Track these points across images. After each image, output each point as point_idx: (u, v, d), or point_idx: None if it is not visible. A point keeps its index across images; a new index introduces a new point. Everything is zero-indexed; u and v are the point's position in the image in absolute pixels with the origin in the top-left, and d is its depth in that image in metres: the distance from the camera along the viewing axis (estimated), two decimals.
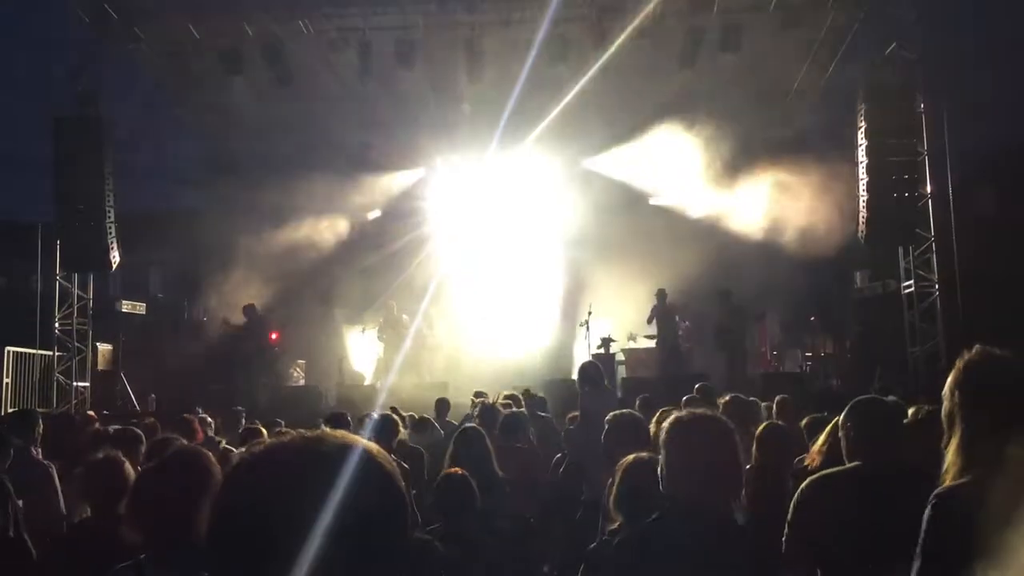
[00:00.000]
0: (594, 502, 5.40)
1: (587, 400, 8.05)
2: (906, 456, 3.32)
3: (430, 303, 18.08)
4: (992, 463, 2.17)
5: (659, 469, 2.86)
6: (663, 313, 16.60)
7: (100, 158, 15.50)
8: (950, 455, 2.33)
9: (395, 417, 7.15)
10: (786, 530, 3.32)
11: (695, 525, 2.71)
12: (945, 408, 2.36)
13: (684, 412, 2.99)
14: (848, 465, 3.43)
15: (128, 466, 3.90)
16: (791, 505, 3.34)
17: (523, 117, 18.33)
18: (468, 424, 7.05)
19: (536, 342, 18.23)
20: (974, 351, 2.43)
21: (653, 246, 18.28)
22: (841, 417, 3.65)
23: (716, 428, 2.88)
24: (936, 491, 2.31)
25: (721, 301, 16.21)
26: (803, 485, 3.36)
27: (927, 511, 2.29)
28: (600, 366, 8.99)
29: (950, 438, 2.33)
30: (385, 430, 6.42)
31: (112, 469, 3.80)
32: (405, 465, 5.73)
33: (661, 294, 16.65)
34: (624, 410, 5.27)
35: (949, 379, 2.38)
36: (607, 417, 5.21)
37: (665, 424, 2.93)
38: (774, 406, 7.60)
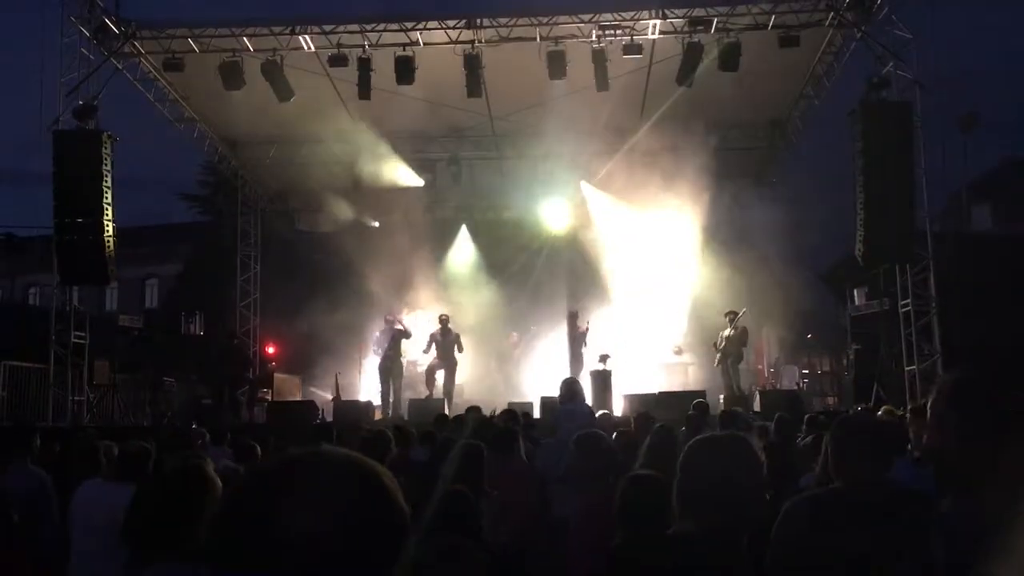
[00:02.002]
0: (564, 519, 5.33)
1: (559, 417, 8.00)
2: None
3: (431, 316, 18.09)
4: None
5: (675, 492, 2.84)
6: (577, 336, 16.67)
7: (99, 172, 15.51)
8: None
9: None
10: (769, 550, 3.28)
11: (708, 546, 2.70)
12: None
13: (704, 434, 2.99)
14: (834, 485, 3.42)
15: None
16: (775, 524, 3.30)
17: (522, 134, 18.44)
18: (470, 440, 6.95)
19: (540, 358, 18.26)
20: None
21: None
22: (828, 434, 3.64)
23: (738, 449, 2.86)
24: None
25: (729, 321, 16.26)
26: (787, 505, 3.32)
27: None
28: (578, 382, 8.93)
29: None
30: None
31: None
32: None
33: (572, 317, 16.75)
34: (589, 430, 5.21)
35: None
36: (572, 438, 5.16)
37: (687, 446, 2.92)
38: (772, 424, 7.61)
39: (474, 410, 10.03)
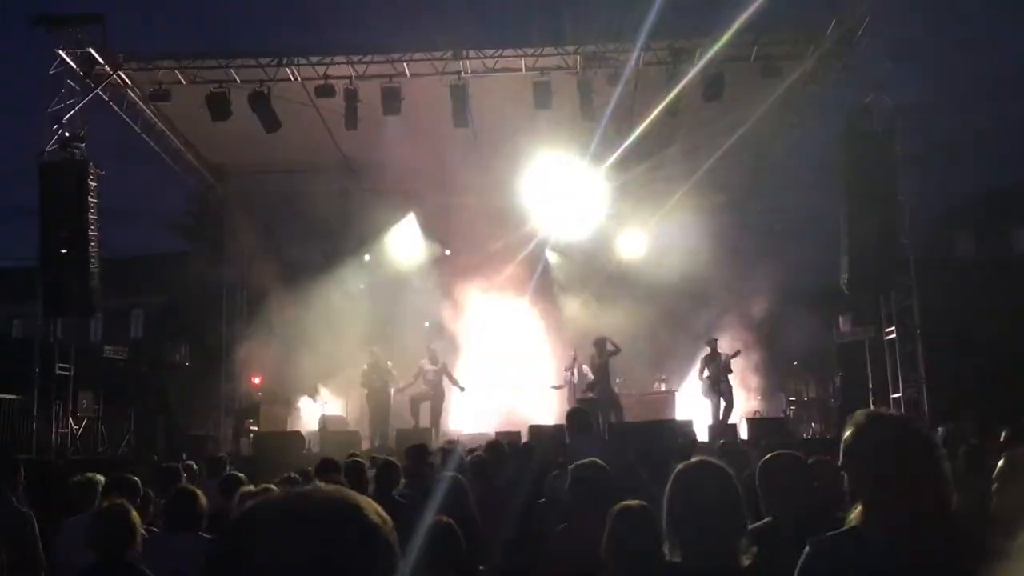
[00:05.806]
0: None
1: (576, 446, 7.92)
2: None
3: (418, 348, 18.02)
4: (875, 515, 2.36)
5: (664, 518, 2.87)
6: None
7: (84, 202, 15.44)
8: (854, 510, 2.46)
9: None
10: None
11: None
12: (842, 463, 2.51)
13: (687, 462, 3.01)
14: (763, 521, 3.51)
15: (134, 513, 3.97)
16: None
17: (507, 162, 18.50)
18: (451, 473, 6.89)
19: (525, 386, 18.20)
20: (860, 414, 2.54)
21: (638, 291, 18.42)
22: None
23: (718, 476, 2.90)
24: (811, 539, 2.45)
25: (709, 349, 16.31)
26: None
27: (802, 557, 2.43)
28: (588, 412, 8.88)
29: (851, 493, 2.49)
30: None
31: (119, 516, 3.89)
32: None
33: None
34: (588, 459, 5.17)
35: (844, 437, 2.52)
36: (571, 468, 5.13)
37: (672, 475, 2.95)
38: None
39: (451, 443, 9.84)
